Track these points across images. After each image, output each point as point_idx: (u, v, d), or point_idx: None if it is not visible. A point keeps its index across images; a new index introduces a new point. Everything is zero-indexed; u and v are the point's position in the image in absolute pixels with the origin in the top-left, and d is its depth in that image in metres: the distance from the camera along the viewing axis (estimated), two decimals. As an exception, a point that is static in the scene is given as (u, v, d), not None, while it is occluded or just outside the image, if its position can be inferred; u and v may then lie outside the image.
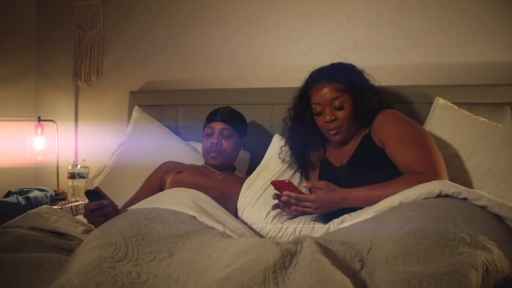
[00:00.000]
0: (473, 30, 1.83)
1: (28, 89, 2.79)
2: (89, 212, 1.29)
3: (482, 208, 1.04)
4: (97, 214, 1.26)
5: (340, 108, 1.49)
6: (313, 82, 1.56)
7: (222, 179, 1.75)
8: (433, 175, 1.24)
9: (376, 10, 2.00)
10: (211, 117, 1.81)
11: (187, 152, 2.09)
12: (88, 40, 2.64)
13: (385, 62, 1.96)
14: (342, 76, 1.52)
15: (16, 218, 1.48)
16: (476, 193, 1.07)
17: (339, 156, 1.58)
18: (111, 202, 1.31)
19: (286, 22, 2.16)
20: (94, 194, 1.30)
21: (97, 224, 1.26)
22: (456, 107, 1.71)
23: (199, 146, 2.11)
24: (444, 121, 1.68)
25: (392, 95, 1.82)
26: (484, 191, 1.31)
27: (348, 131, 1.53)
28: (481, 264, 0.83)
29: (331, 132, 1.53)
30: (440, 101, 1.74)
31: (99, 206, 1.27)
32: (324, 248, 0.96)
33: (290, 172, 1.70)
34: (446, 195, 1.09)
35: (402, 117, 1.49)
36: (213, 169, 1.78)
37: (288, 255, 0.84)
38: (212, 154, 1.76)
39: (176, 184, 1.63)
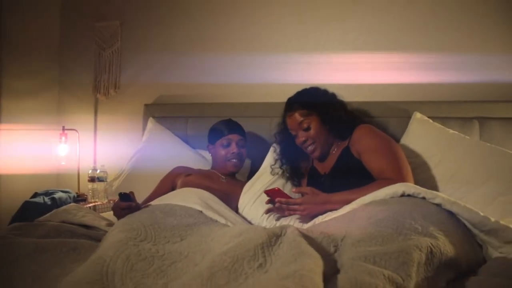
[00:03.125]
0: (447, 53, 2.04)
1: (51, 101, 2.95)
2: (118, 209, 1.51)
3: (437, 205, 1.25)
4: (124, 212, 1.47)
5: (308, 128, 1.71)
6: (285, 111, 1.80)
7: (225, 182, 1.95)
8: (400, 180, 1.44)
9: (363, 34, 2.22)
10: (227, 130, 1.97)
11: (195, 158, 2.26)
12: (107, 57, 2.82)
13: (370, 80, 2.16)
14: (304, 102, 1.73)
15: (47, 214, 1.66)
16: (432, 193, 1.28)
17: (324, 165, 1.78)
18: (137, 205, 1.52)
19: (285, 44, 2.37)
20: (125, 196, 1.52)
21: (120, 218, 1.46)
22: (431, 120, 1.90)
23: (206, 154, 2.28)
24: (420, 133, 1.88)
25: (375, 110, 2.03)
26: (448, 193, 1.53)
27: (323, 146, 1.73)
28: (426, 247, 1.03)
29: (308, 150, 1.74)
30: (417, 115, 1.94)
31: (128, 207, 1.49)
32: (305, 236, 1.18)
33: (283, 179, 1.90)
34: (409, 195, 1.31)
35: (375, 131, 1.69)
36: (218, 173, 1.98)
37: (274, 236, 1.06)
38: (234, 161, 1.95)
39: (185, 186, 1.82)
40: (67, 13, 2.99)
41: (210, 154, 2.07)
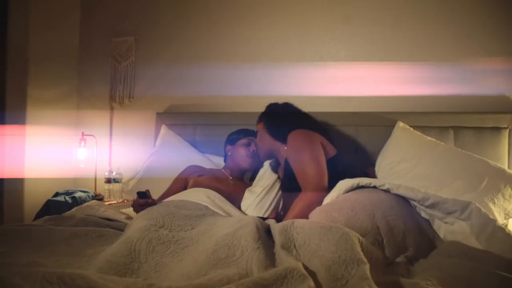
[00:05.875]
0: (427, 69, 2.25)
1: (71, 109, 3.12)
2: (137, 205, 1.70)
3: (386, 191, 1.44)
4: (142, 208, 1.65)
5: (256, 133, 1.98)
6: None
7: (232, 183, 2.14)
8: (312, 189, 1.63)
9: (354, 52, 2.43)
10: (247, 134, 2.19)
11: (203, 162, 2.42)
12: (122, 69, 3.00)
13: (359, 93, 2.37)
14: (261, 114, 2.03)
15: (72, 210, 1.87)
16: (380, 181, 1.47)
17: (281, 171, 1.93)
18: (153, 201, 1.71)
19: (284, 61, 2.57)
20: (142, 194, 1.72)
21: (139, 212, 1.63)
22: (412, 129, 2.10)
23: (213, 157, 2.49)
24: (402, 140, 2.08)
25: (363, 119, 2.24)
26: (422, 190, 1.71)
27: (264, 149, 1.97)
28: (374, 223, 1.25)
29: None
30: (400, 124, 2.14)
31: (145, 203, 1.68)
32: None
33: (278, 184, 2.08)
34: (363, 186, 1.50)
35: (296, 139, 1.78)
36: (227, 175, 2.17)
37: (265, 224, 1.30)
38: (252, 160, 2.14)
39: (196, 185, 2.02)
40: (85, 30, 3.18)
41: (229, 154, 2.23)
